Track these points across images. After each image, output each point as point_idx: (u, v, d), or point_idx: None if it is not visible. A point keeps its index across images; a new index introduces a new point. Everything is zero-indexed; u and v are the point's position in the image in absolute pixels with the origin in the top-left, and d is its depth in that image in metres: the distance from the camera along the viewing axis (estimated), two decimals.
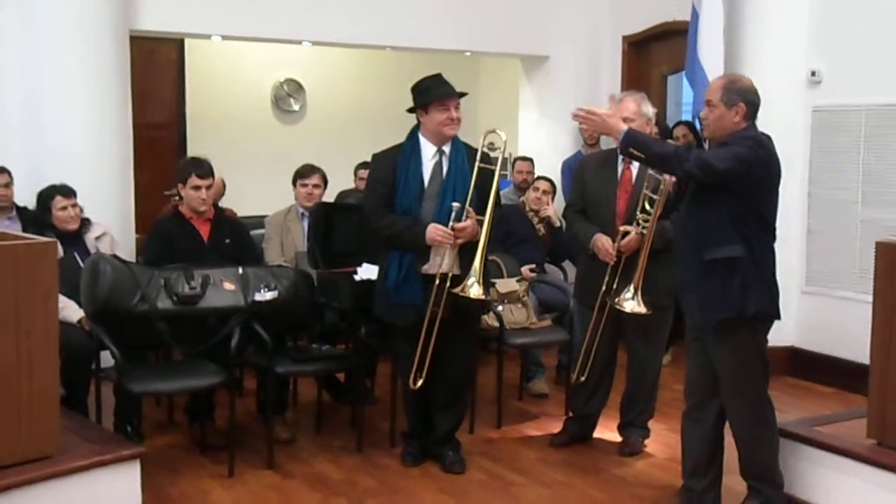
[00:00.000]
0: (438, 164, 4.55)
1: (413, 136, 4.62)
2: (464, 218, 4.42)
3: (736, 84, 3.90)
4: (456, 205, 4.40)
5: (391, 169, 4.55)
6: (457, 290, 4.38)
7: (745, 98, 3.85)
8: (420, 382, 4.55)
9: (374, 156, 4.73)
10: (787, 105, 6.35)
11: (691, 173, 3.80)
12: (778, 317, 3.95)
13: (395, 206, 4.52)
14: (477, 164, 4.49)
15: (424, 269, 4.47)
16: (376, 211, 4.57)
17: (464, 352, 4.72)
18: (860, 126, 6.09)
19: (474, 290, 4.38)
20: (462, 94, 4.60)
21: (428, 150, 4.56)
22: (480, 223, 4.44)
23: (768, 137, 3.92)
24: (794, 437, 4.19)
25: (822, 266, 6.41)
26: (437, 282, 4.42)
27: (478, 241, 4.45)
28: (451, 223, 4.39)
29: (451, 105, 4.53)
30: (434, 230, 4.40)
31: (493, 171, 4.53)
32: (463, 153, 4.60)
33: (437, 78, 4.63)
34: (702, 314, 3.93)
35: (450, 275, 4.44)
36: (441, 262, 4.44)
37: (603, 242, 4.71)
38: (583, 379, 4.88)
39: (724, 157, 3.78)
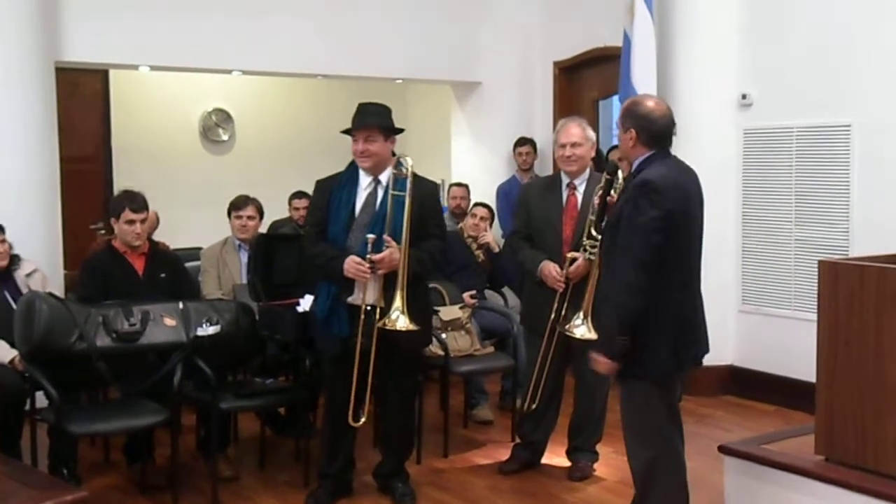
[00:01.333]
0: (373, 195, 4.46)
1: (352, 164, 4.55)
2: (383, 248, 4.29)
3: (634, 108, 3.82)
4: (371, 236, 4.27)
5: (327, 196, 4.50)
6: (380, 323, 4.26)
7: (636, 123, 3.76)
8: (362, 420, 4.44)
9: (317, 182, 4.66)
10: (719, 127, 6.50)
11: (637, 289, 3.62)
12: (685, 370, 3.89)
13: (329, 231, 4.46)
14: (390, 192, 4.36)
15: (350, 301, 4.37)
16: (309, 238, 4.53)
17: (403, 384, 4.63)
18: (791, 147, 6.21)
19: (400, 322, 4.25)
20: (396, 130, 4.50)
21: (364, 180, 4.49)
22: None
23: (675, 163, 3.82)
24: (743, 456, 4.20)
25: (757, 285, 6.51)
26: (362, 315, 4.28)
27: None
28: (368, 255, 4.27)
29: (360, 137, 4.41)
30: (349, 263, 4.28)
31: (403, 198, 4.35)
32: (404, 188, 4.43)
33: (363, 107, 4.53)
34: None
35: (378, 307, 4.31)
36: (364, 295, 4.32)
37: (550, 269, 4.70)
38: (533, 406, 4.85)
39: (626, 246, 3.63)
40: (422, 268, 4.45)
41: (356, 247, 4.35)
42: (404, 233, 4.30)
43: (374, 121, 4.45)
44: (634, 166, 3.83)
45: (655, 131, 3.79)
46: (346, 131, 4.51)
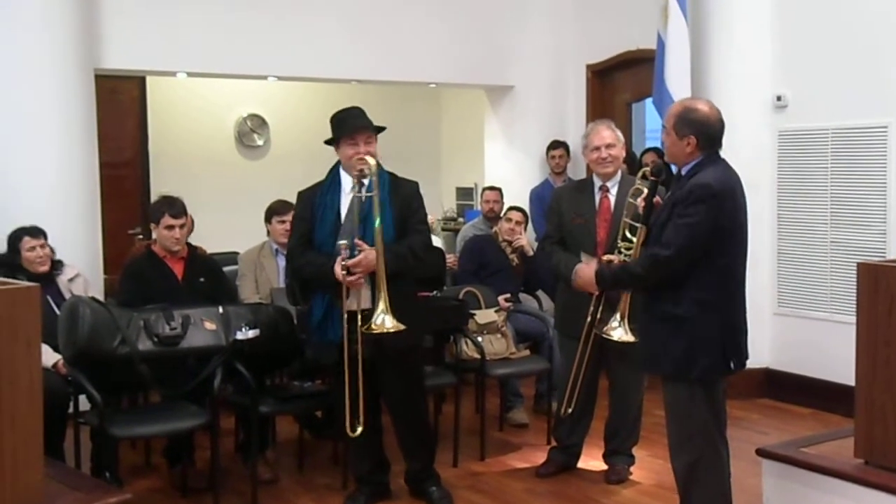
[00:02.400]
0: (357, 197, 4.40)
1: (333, 170, 4.56)
2: (355, 253, 4.26)
3: (690, 115, 3.79)
4: (342, 243, 4.24)
5: (310, 204, 4.49)
6: (365, 328, 4.21)
7: (695, 130, 3.75)
8: (360, 429, 4.36)
9: (299, 193, 4.66)
10: (753, 129, 6.46)
11: (654, 275, 3.79)
12: (732, 371, 3.90)
13: (315, 239, 4.45)
14: (363, 193, 4.31)
15: (346, 307, 4.32)
16: (294, 249, 4.52)
17: (405, 387, 4.60)
18: (827, 149, 6.18)
19: (387, 323, 4.21)
20: (370, 127, 4.48)
21: (347, 184, 4.46)
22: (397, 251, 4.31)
23: (725, 166, 3.83)
24: (782, 459, 4.18)
25: (793, 288, 6.48)
26: (359, 321, 4.24)
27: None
28: (340, 260, 4.22)
29: (360, 140, 4.41)
30: (339, 271, 4.23)
31: (370, 199, 4.30)
32: (387, 185, 4.47)
33: (350, 111, 4.55)
34: (645, 364, 4.02)
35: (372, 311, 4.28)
36: (359, 299, 4.29)
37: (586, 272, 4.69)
38: (570, 411, 4.85)
39: (669, 240, 3.73)
40: (402, 263, 4.36)
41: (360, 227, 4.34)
42: (377, 233, 4.23)
43: (368, 123, 4.47)
44: (686, 170, 3.84)
45: (713, 135, 3.80)
46: (329, 140, 4.51)
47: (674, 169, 4.11)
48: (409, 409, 4.66)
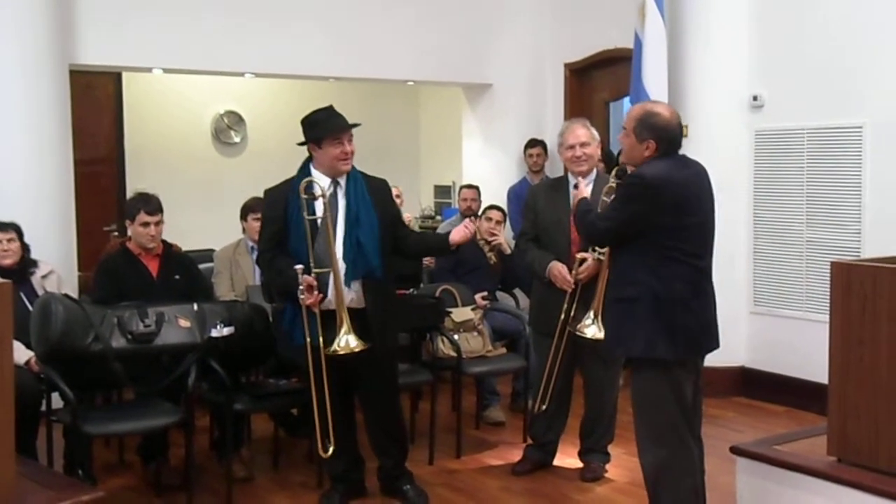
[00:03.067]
0: (333, 197, 4.37)
1: (304, 170, 4.44)
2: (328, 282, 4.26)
3: (651, 119, 3.83)
4: (299, 267, 4.16)
5: (282, 205, 4.37)
6: (330, 350, 4.21)
7: (655, 135, 3.80)
8: (331, 449, 4.34)
9: (266, 191, 4.56)
10: (730, 129, 6.51)
11: (589, 237, 4.21)
12: (695, 355, 3.94)
13: (288, 244, 4.35)
14: (305, 217, 4.23)
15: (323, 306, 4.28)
16: (264, 254, 4.46)
17: (381, 386, 4.59)
18: (802, 149, 6.22)
19: (352, 342, 4.22)
20: (354, 125, 4.45)
21: (322, 183, 4.35)
22: (319, 278, 4.22)
23: (674, 163, 3.85)
24: (755, 457, 4.20)
25: (769, 287, 6.51)
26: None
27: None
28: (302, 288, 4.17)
29: (345, 139, 4.37)
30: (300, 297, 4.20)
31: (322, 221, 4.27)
32: (362, 184, 4.44)
33: (329, 110, 4.48)
34: (606, 347, 4.09)
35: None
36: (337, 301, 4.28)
37: (560, 270, 4.72)
38: (544, 408, 4.87)
39: (605, 214, 3.98)
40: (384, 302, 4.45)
41: (323, 255, 4.24)
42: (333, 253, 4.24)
43: (348, 122, 4.43)
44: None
45: (673, 139, 3.86)
46: (312, 138, 4.41)
47: None
48: (383, 405, 4.64)
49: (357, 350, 4.23)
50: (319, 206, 4.30)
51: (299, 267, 4.16)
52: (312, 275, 4.19)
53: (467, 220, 4.63)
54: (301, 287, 4.16)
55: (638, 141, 3.83)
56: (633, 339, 3.81)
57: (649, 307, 3.76)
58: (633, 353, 3.85)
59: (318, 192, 4.27)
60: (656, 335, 3.77)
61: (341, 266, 4.28)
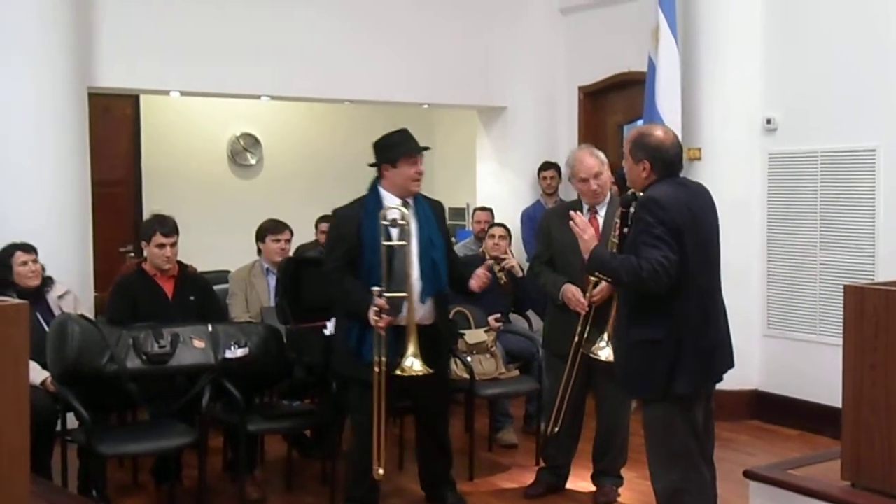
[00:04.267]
0: (405, 218, 4.49)
1: (374, 191, 4.57)
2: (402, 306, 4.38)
3: (643, 140, 3.88)
4: (376, 289, 4.28)
5: (355, 226, 4.49)
6: (396, 371, 4.34)
7: (649, 154, 3.84)
8: (381, 472, 4.45)
9: (336, 211, 4.68)
10: (743, 152, 6.51)
11: (641, 285, 3.76)
12: (712, 381, 3.94)
13: (361, 263, 4.45)
14: (382, 242, 4.38)
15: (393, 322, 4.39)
16: (334, 273, 4.53)
17: (440, 401, 4.79)
18: (816, 171, 6.22)
19: (416, 366, 4.35)
20: (426, 148, 4.63)
21: (393, 204, 4.50)
22: (392, 301, 4.33)
23: (676, 186, 3.86)
24: (769, 481, 4.18)
25: (782, 310, 6.49)
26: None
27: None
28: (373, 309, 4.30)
29: (419, 159, 4.54)
30: (371, 317, 4.32)
31: (401, 247, 4.42)
32: (426, 205, 4.61)
33: (404, 133, 4.63)
34: (627, 387, 4.06)
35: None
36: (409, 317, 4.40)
37: (573, 292, 4.72)
38: (556, 430, 4.85)
39: (643, 245, 3.73)
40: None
41: (398, 278, 4.38)
42: (408, 277, 4.38)
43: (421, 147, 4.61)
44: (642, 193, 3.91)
45: (667, 160, 3.87)
46: (388, 159, 4.53)
47: None
48: (441, 418, 4.83)
49: (420, 374, 4.36)
50: (395, 231, 4.43)
51: (376, 289, 4.28)
52: (384, 297, 4.30)
53: (485, 265, 4.75)
54: (374, 308, 4.26)
55: (634, 162, 3.88)
56: (653, 381, 3.79)
57: (670, 348, 3.75)
58: (655, 395, 3.82)
59: (397, 217, 4.41)
60: (676, 374, 3.76)
61: (417, 285, 4.44)
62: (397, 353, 4.36)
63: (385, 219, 4.39)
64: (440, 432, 4.81)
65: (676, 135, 4.00)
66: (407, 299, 4.36)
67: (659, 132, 3.93)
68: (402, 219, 4.41)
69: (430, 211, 4.62)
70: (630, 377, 3.95)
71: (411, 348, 4.34)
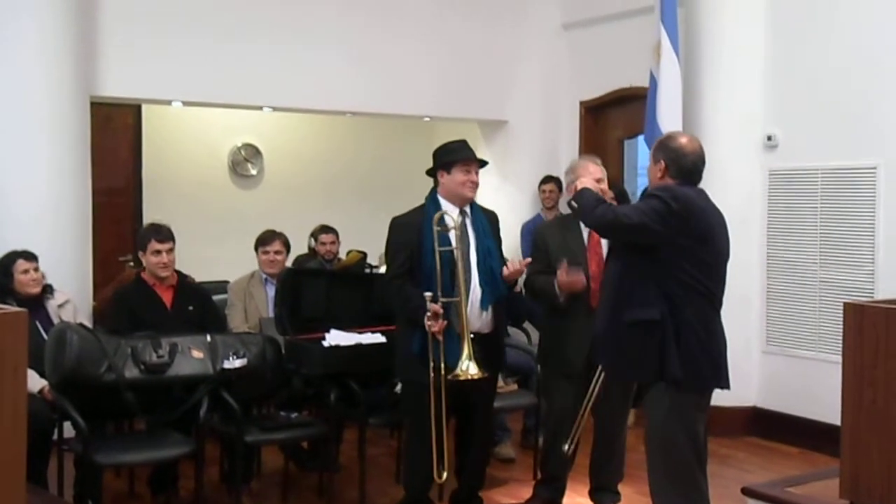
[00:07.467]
0: (463, 227, 4.57)
1: (433, 199, 4.63)
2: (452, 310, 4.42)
3: (666, 141, 3.97)
4: (428, 295, 4.36)
5: (416, 234, 4.52)
6: (451, 375, 4.37)
7: (666, 155, 3.90)
8: (444, 475, 4.54)
9: (395, 219, 4.70)
10: (744, 168, 6.52)
11: (599, 223, 3.96)
12: (708, 388, 3.94)
13: (421, 269, 4.48)
14: (437, 248, 4.43)
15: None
16: (393, 281, 4.57)
17: (488, 412, 4.88)
18: (816, 188, 6.23)
19: (471, 369, 4.36)
20: (483, 161, 4.75)
21: (452, 212, 4.57)
22: (446, 305, 4.39)
23: (698, 193, 3.91)
24: (767, 499, 4.18)
25: (782, 326, 6.49)
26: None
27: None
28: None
29: (473, 168, 4.60)
30: (426, 322, 4.39)
31: (456, 252, 4.47)
32: (482, 215, 4.69)
33: (463, 142, 4.75)
34: (617, 373, 4.06)
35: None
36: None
37: (565, 270, 4.63)
38: (571, 448, 4.76)
39: (623, 209, 3.89)
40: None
41: (454, 280, 4.43)
42: (461, 282, 4.41)
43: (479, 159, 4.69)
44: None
45: (684, 165, 3.90)
46: (443, 164, 4.62)
47: None
48: (488, 426, 4.94)
49: (476, 377, 4.37)
50: (452, 237, 4.48)
51: (428, 294, 4.34)
52: (439, 303, 4.35)
53: (521, 260, 4.79)
54: (428, 314, 4.32)
55: (654, 162, 3.95)
56: (646, 363, 3.80)
57: (668, 331, 3.76)
58: (646, 377, 3.83)
59: (450, 223, 4.47)
60: (669, 354, 3.77)
61: (478, 293, 4.51)
62: (456, 358, 4.39)
63: (438, 224, 4.45)
64: (487, 444, 5.00)
65: (702, 147, 4.03)
66: (460, 304, 4.39)
67: (683, 139, 3.99)
68: (454, 225, 4.46)
69: (486, 221, 4.69)
70: (620, 361, 3.95)
71: (465, 352, 4.37)
